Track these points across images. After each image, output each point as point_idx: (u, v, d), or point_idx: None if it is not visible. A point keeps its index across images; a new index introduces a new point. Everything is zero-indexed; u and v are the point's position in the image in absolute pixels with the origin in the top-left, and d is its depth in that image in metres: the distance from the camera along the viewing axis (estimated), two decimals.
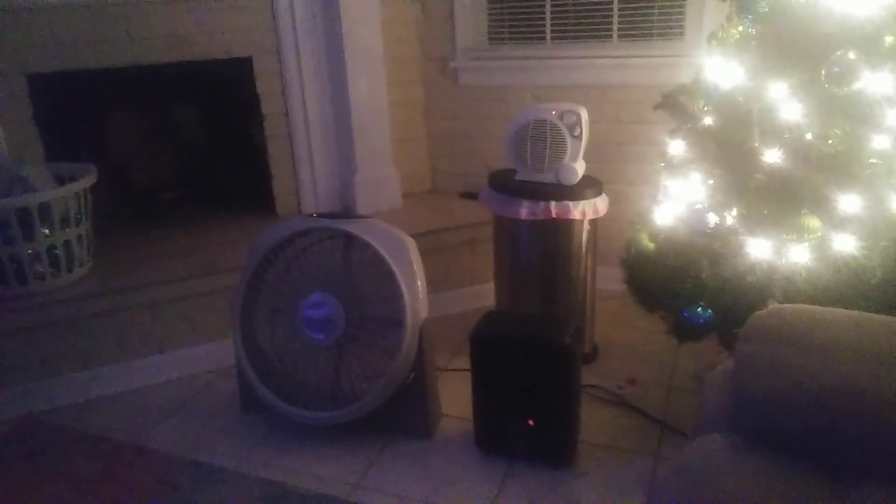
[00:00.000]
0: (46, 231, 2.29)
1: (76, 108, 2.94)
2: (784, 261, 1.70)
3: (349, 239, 2.06)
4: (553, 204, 2.25)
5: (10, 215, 2.20)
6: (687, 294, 1.88)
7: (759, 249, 1.74)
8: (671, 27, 2.74)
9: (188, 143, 3.36)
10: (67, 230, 2.35)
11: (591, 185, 2.31)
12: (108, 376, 2.43)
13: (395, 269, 1.99)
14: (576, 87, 2.84)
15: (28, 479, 2.02)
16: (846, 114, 1.65)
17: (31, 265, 2.29)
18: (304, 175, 3.01)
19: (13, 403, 2.31)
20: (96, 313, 2.37)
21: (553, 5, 2.88)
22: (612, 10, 2.79)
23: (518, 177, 2.37)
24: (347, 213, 2.97)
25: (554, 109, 2.27)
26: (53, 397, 2.36)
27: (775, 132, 1.74)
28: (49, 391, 2.36)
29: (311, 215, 2.19)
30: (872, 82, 1.62)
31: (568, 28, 2.90)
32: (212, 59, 2.75)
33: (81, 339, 2.37)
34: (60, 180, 2.42)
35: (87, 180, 2.39)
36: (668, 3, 2.71)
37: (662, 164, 2.10)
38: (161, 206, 3.26)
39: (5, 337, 2.27)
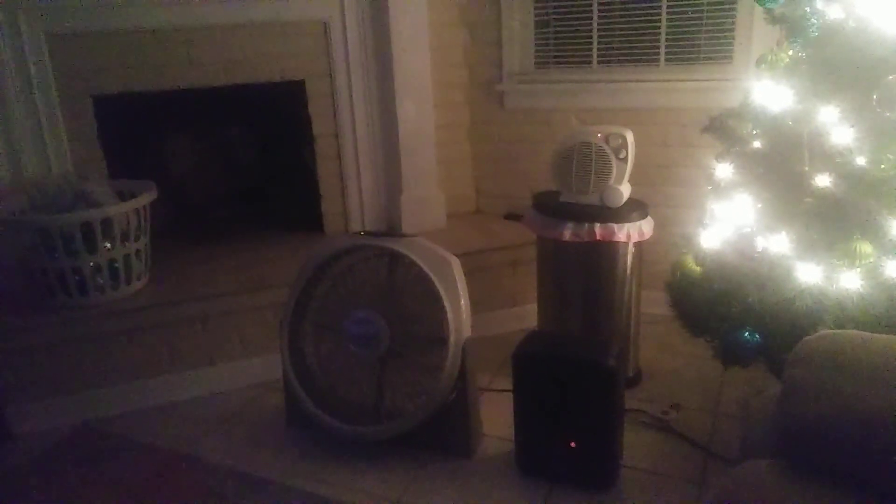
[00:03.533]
0: (108, 245, 2.39)
1: (138, 128, 3.07)
2: (835, 286, 1.67)
3: (395, 257, 2.10)
4: (597, 226, 2.26)
5: (75, 229, 2.30)
6: (733, 319, 1.86)
7: (808, 274, 1.71)
8: (719, 51, 2.73)
9: (242, 163, 3.47)
10: (127, 244, 2.44)
11: (636, 208, 2.31)
12: (161, 387, 2.50)
13: (439, 287, 2.01)
14: (622, 110, 2.85)
15: (81, 485, 2.09)
16: None
17: (93, 277, 2.38)
18: (352, 195, 3.08)
19: (69, 411, 2.40)
20: (151, 325, 2.46)
21: (600, 29, 2.90)
22: (659, 34, 2.80)
23: (562, 199, 2.38)
24: (393, 231, 3.01)
25: (599, 132, 2.29)
26: (107, 406, 2.45)
27: (826, 156, 1.73)
28: (103, 400, 2.44)
29: (359, 234, 2.24)
30: None
31: (614, 52, 2.92)
32: (266, 82, 2.85)
33: (136, 350, 2.46)
34: (122, 196, 2.51)
35: (148, 197, 2.49)
36: (716, 28, 2.71)
37: (709, 188, 2.09)
38: (215, 223, 3.36)
39: (65, 346, 2.37)
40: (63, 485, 2.09)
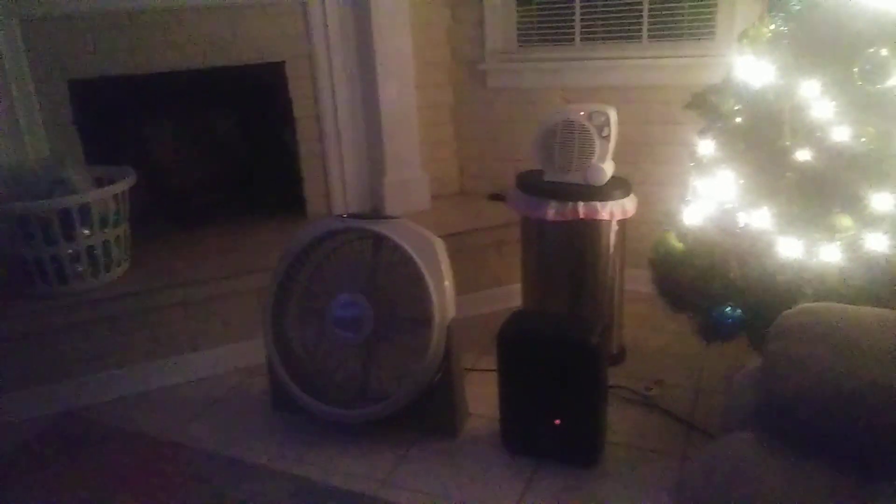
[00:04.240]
0: (86, 232, 2.36)
1: (115, 113, 3.02)
2: (815, 260, 1.68)
3: (378, 239, 2.08)
4: (581, 204, 2.25)
5: (52, 216, 2.27)
6: (715, 294, 1.87)
7: (789, 249, 1.72)
8: (702, 27, 2.72)
9: (223, 147, 3.43)
10: (106, 231, 2.42)
11: (619, 186, 2.31)
12: (144, 373, 2.49)
13: (423, 269, 2.00)
14: (605, 88, 2.84)
15: (66, 473, 2.08)
16: (879, 111, 1.63)
17: (71, 265, 2.35)
18: (335, 177, 3.06)
19: (52, 400, 2.38)
20: (132, 312, 2.44)
21: (582, 7, 2.88)
22: (641, 10, 2.78)
23: (546, 178, 2.38)
24: (377, 213, 3.00)
25: (582, 110, 2.28)
26: (90, 394, 2.43)
27: (807, 130, 1.73)
28: (86, 388, 2.42)
29: (342, 216, 2.22)
30: None
31: (597, 29, 2.90)
32: (246, 64, 2.81)
33: (118, 337, 2.44)
34: (99, 182, 2.49)
35: (126, 182, 2.46)
36: (699, 3, 2.70)
37: (692, 164, 2.09)
38: (196, 208, 3.33)
39: (45, 334, 2.35)
40: (47, 474, 2.08)
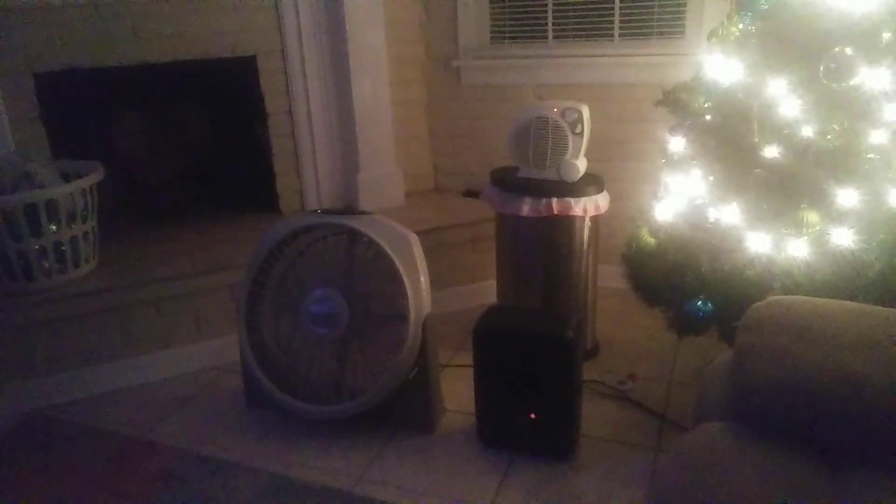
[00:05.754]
0: (53, 227, 2.31)
1: (82, 107, 2.96)
2: (783, 255, 1.72)
3: (353, 235, 2.08)
4: (555, 200, 2.27)
5: (18, 211, 2.22)
6: (687, 288, 1.90)
7: (758, 244, 1.76)
8: (672, 26, 2.76)
9: (193, 142, 3.38)
10: (74, 227, 2.37)
11: (592, 182, 2.33)
12: (114, 372, 2.45)
13: (398, 264, 2.00)
14: (577, 85, 2.86)
15: (35, 474, 2.04)
16: (844, 109, 1.67)
17: (38, 261, 2.31)
18: (308, 173, 3.04)
19: (20, 399, 2.33)
20: (102, 309, 2.39)
21: (555, 4, 2.90)
22: (613, 9, 2.81)
23: (520, 174, 2.39)
24: (351, 210, 2.98)
25: (556, 107, 2.30)
26: (60, 393, 2.38)
27: (774, 128, 1.76)
28: (55, 387, 2.38)
29: (316, 212, 2.21)
30: (870, 78, 1.64)
31: (569, 27, 2.92)
32: (217, 58, 2.78)
33: (87, 335, 2.40)
34: (66, 177, 2.44)
35: (94, 177, 2.41)
36: (669, 2, 2.73)
37: (663, 161, 2.12)
38: (166, 204, 3.28)
39: (12, 332, 2.30)
40: (16, 474, 2.04)
